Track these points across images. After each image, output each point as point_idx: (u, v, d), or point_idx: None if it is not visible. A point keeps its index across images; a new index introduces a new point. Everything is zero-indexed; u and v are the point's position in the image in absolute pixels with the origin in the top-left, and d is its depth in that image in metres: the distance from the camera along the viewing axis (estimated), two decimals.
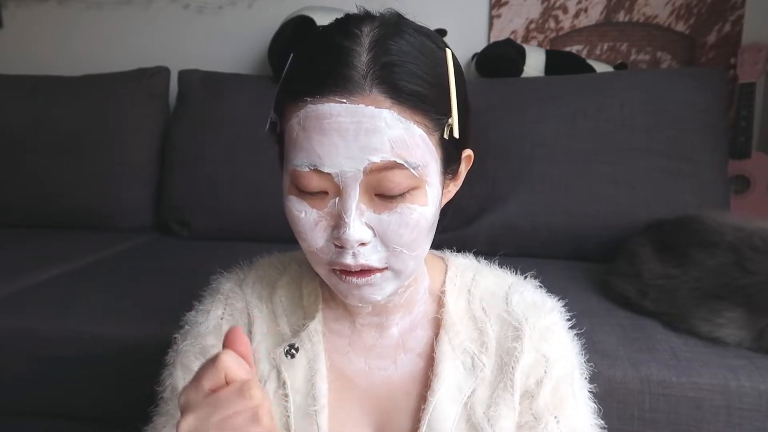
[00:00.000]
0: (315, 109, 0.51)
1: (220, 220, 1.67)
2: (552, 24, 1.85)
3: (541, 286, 0.69)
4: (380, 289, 0.56)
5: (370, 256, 0.54)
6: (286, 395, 0.62)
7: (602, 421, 0.65)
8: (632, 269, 1.14)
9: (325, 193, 0.54)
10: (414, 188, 0.53)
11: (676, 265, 1.07)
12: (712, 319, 0.98)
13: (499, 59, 1.70)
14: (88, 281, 1.32)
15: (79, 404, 1.11)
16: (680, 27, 1.78)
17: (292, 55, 0.58)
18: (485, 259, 0.72)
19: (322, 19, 1.65)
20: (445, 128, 0.55)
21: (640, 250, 1.16)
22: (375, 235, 0.54)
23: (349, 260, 0.54)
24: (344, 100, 0.51)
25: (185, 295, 0.73)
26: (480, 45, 1.80)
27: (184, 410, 0.47)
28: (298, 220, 0.55)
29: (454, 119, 0.55)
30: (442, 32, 1.62)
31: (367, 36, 0.53)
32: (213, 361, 0.47)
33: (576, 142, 1.48)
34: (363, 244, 0.53)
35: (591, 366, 0.67)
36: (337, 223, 0.54)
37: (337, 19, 0.57)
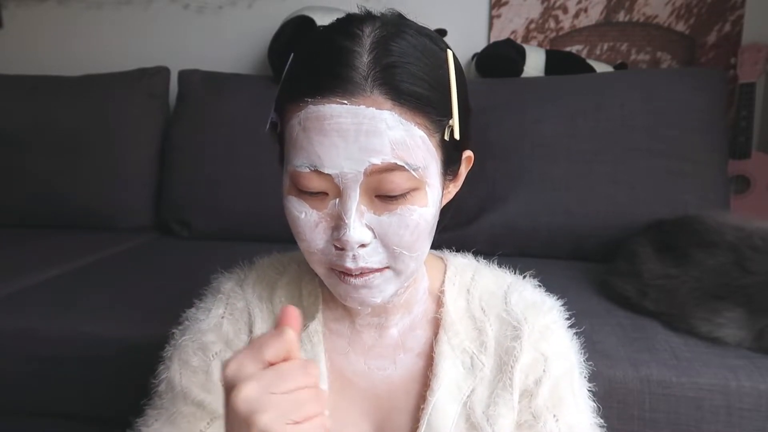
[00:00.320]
0: (316, 110, 0.51)
1: (220, 220, 1.67)
2: (552, 24, 1.85)
3: (540, 286, 0.69)
4: (380, 291, 0.56)
5: (370, 258, 0.54)
6: None
7: (602, 420, 0.65)
8: (632, 269, 1.14)
9: (325, 194, 0.54)
10: (414, 189, 0.53)
11: (676, 265, 1.07)
12: (712, 319, 0.98)
13: (499, 59, 1.70)
14: (88, 281, 1.32)
15: (79, 404, 1.11)
16: (680, 27, 1.78)
17: (292, 55, 0.58)
18: (484, 258, 0.72)
19: (322, 19, 1.65)
20: (446, 129, 0.55)
21: (640, 250, 1.16)
22: (375, 237, 0.54)
23: (349, 263, 0.54)
24: (345, 101, 0.50)
25: (185, 295, 0.73)
26: (480, 45, 1.80)
27: (236, 379, 0.43)
28: (298, 221, 0.55)
29: (455, 121, 0.55)
30: (442, 32, 1.62)
31: (368, 37, 0.53)
32: (278, 335, 0.45)
33: (576, 142, 1.48)
34: (363, 245, 0.53)
35: (591, 366, 0.67)
36: (337, 224, 0.54)
37: (338, 19, 0.57)
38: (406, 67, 0.52)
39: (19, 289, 1.26)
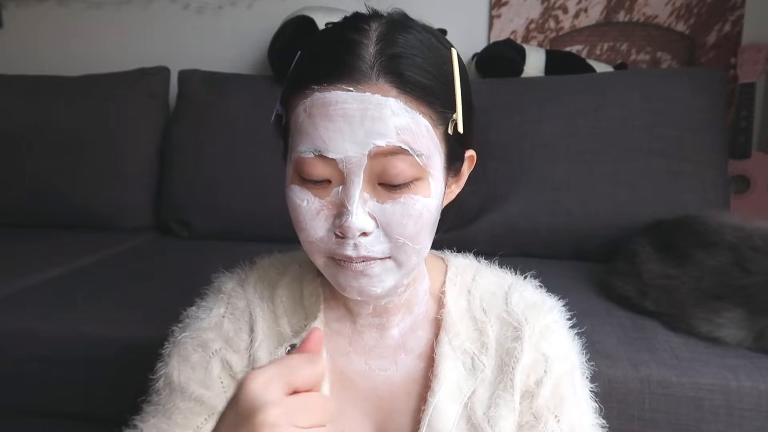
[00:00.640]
0: (321, 97, 0.52)
1: (220, 220, 1.67)
2: (552, 24, 1.85)
3: (541, 286, 0.69)
4: (380, 280, 0.56)
5: (372, 247, 0.54)
6: None
7: (604, 421, 0.65)
8: (632, 269, 1.14)
9: (329, 181, 0.54)
10: (418, 179, 0.54)
11: (676, 265, 1.07)
12: (712, 319, 0.98)
13: (499, 59, 1.70)
14: (88, 281, 1.32)
15: (79, 404, 1.11)
16: (680, 27, 1.78)
17: (299, 52, 0.58)
18: (485, 259, 0.72)
19: (322, 19, 1.65)
20: (450, 123, 0.56)
21: (640, 250, 1.16)
22: (378, 226, 0.54)
23: (350, 251, 0.54)
24: (351, 88, 0.51)
25: (185, 295, 0.73)
26: (480, 45, 1.80)
27: (262, 399, 0.41)
28: (299, 209, 0.55)
29: (459, 114, 0.56)
30: (442, 32, 1.61)
31: (374, 31, 0.54)
32: (311, 363, 0.44)
33: (576, 142, 1.48)
34: (365, 234, 0.53)
35: (591, 366, 0.67)
36: (340, 211, 0.53)
37: (345, 17, 0.58)
38: (412, 58, 0.53)
39: (19, 289, 1.26)
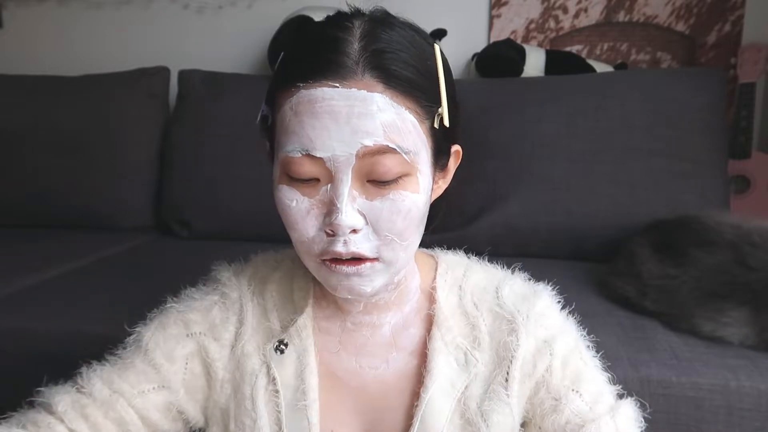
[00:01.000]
0: (308, 94, 0.52)
1: (220, 220, 1.67)
2: (552, 24, 1.85)
3: (530, 279, 0.69)
4: (370, 280, 0.56)
5: (362, 244, 0.54)
6: (277, 391, 0.63)
7: (619, 387, 0.64)
8: (632, 269, 1.14)
9: (317, 180, 0.54)
10: (406, 175, 0.54)
11: (675, 264, 1.07)
12: (716, 318, 0.98)
13: (499, 59, 1.70)
14: (88, 281, 1.32)
15: None
16: (680, 27, 1.78)
17: (283, 52, 0.58)
18: (476, 256, 0.72)
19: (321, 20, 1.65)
20: (436, 117, 0.56)
21: (640, 250, 1.16)
22: (367, 223, 0.54)
23: (340, 248, 0.53)
24: (337, 84, 0.51)
25: (187, 288, 0.74)
26: (480, 45, 1.80)
27: None
28: (289, 209, 0.55)
29: (444, 108, 0.56)
30: (442, 32, 1.62)
31: (358, 28, 0.54)
32: None
33: (576, 142, 1.48)
34: (355, 231, 0.53)
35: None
36: (329, 209, 0.53)
37: (328, 16, 0.58)
38: (396, 53, 0.53)
39: (19, 289, 1.26)
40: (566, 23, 1.84)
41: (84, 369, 0.66)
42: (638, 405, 0.63)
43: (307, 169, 0.53)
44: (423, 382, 0.62)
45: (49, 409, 0.63)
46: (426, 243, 0.64)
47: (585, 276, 1.29)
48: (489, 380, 0.62)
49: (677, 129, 1.45)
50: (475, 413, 0.61)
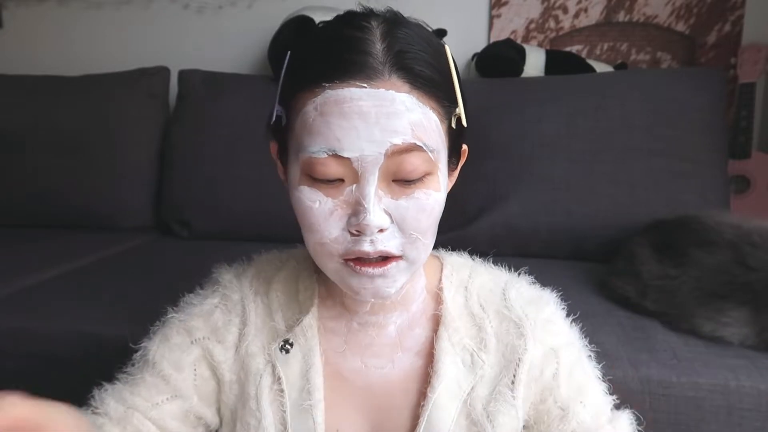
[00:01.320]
0: (334, 94, 0.52)
1: (220, 220, 1.67)
2: (552, 24, 1.85)
3: (534, 282, 0.69)
4: (393, 280, 0.56)
5: (389, 242, 0.54)
6: (282, 390, 0.62)
7: (615, 398, 0.66)
8: (632, 269, 1.14)
9: (341, 180, 0.53)
10: (429, 173, 0.55)
11: (675, 265, 1.07)
12: (716, 318, 0.98)
13: (499, 59, 1.70)
14: (88, 281, 1.31)
15: (79, 404, 1.10)
16: (680, 27, 1.78)
17: (290, 52, 0.58)
18: (481, 258, 0.72)
19: (322, 19, 1.65)
20: (453, 117, 0.57)
21: (639, 251, 1.16)
22: (392, 222, 0.54)
23: (367, 247, 0.53)
24: (365, 85, 0.51)
25: (185, 295, 0.73)
26: (480, 45, 1.80)
27: None
28: (311, 210, 0.54)
29: (461, 108, 0.57)
30: (442, 32, 1.62)
31: (377, 28, 0.54)
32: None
33: (576, 142, 1.48)
34: (381, 230, 0.53)
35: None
36: (355, 210, 0.53)
37: (339, 16, 0.58)
38: (418, 54, 0.54)
39: (19, 289, 1.26)
40: (566, 23, 1.84)
41: (96, 392, 0.66)
42: (634, 416, 0.66)
43: (333, 169, 0.53)
44: (429, 382, 0.62)
45: None
46: None
47: (585, 276, 1.29)
48: (495, 382, 0.62)
49: (677, 129, 1.45)
50: (480, 414, 0.61)
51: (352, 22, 0.56)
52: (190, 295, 0.70)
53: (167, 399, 0.64)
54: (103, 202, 1.77)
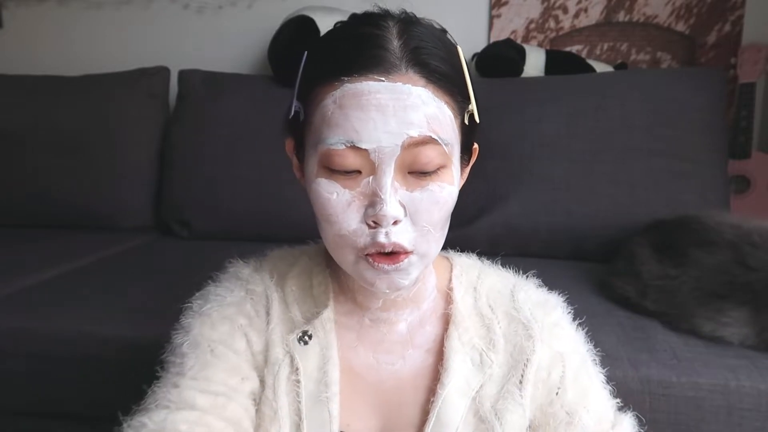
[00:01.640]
0: (353, 87, 0.53)
1: (220, 220, 1.67)
2: (552, 24, 1.85)
3: (541, 285, 0.71)
4: (407, 273, 0.57)
5: (401, 235, 0.55)
6: (298, 381, 0.63)
7: (619, 400, 0.67)
8: (632, 269, 1.14)
9: (359, 172, 0.54)
10: (443, 166, 0.56)
11: (675, 265, 1.07)
12: (717, 318, 0.98)
13: (499, 59, 1.70)
14: (88, 281, 1.31)
15: (79, 404, 1.11)
16: (680, 27, 1.78)
17: (308, 51, 0.60)
18: (487, 259, 0.73)
19: (322, 19, 1.65)
20: (465, 114, 0.59)
21: (639, 251, 1.16)
22: (406, 214, 0.55)
23: (382, 239, 0.54)
24: (382, 78, 0.53)
25: (185, 295, 0.73)
26: (480, 45, 1.80)
27: None
28: (329, 202, 0.55)
29: (474, 105, 0.59)
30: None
31: (393, 27, 0.56)
32: None
33: (576, 142, 1.48)
34: (396, 222, 0.54)
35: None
36: (372, 201, 0.54)
37: (356, 15, 0.60)
38: (434, 50, 0.56)
39: (19, 289, 1.26)
40: (566, 23, 1.84)
41: (153, 390, 0.62)
42: (635, 418, 0.67)
43: (351, 161, 0.54)
44: (439, 379, 0.63)
45: None
46: None
47: (585, 276, 1.29)
48: (503, 381, 0.63)
49: (677, 129, 1.45)
50: (489, 411, 0.62)
51: (369, 21, 0.57)
52: (210, 287, 0.68)
53: (242, 380, 0.62)
54: (103, 202, 1.77)
